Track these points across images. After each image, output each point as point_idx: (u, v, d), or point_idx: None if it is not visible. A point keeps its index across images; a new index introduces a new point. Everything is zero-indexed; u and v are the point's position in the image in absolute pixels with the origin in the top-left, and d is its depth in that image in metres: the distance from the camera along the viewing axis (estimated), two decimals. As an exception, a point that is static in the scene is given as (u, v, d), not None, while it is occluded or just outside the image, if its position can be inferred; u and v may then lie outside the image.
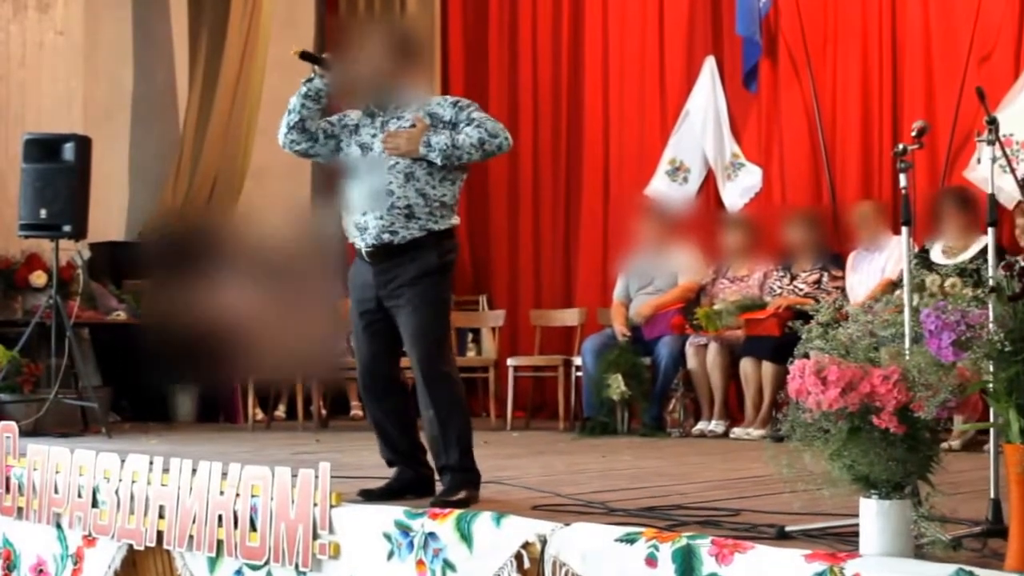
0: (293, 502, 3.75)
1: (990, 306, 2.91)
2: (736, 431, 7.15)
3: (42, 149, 7.58)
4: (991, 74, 7.09)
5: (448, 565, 3.46)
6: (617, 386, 7.33)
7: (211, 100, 9.30)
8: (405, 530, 3.58)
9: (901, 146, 3.52)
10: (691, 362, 7.44)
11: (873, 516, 2.92)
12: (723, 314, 7.25)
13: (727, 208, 8.27)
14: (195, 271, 8.23)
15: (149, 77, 9.53)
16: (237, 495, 3.91)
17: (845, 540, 3.12)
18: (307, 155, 4.36)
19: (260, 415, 8.19)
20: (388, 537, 3.61)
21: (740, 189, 8.28)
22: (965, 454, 5.46)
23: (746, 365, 7.16)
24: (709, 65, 8.47)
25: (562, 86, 9.33)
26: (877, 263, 7.00)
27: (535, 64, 9.48)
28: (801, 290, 7.28)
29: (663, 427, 7.40)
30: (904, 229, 3.53)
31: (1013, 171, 5.91)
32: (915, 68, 7.57)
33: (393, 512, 3.65)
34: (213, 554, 3.97)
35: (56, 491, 4.50)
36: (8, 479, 4.72)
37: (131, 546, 4.24)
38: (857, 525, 2.98)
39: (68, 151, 7.57)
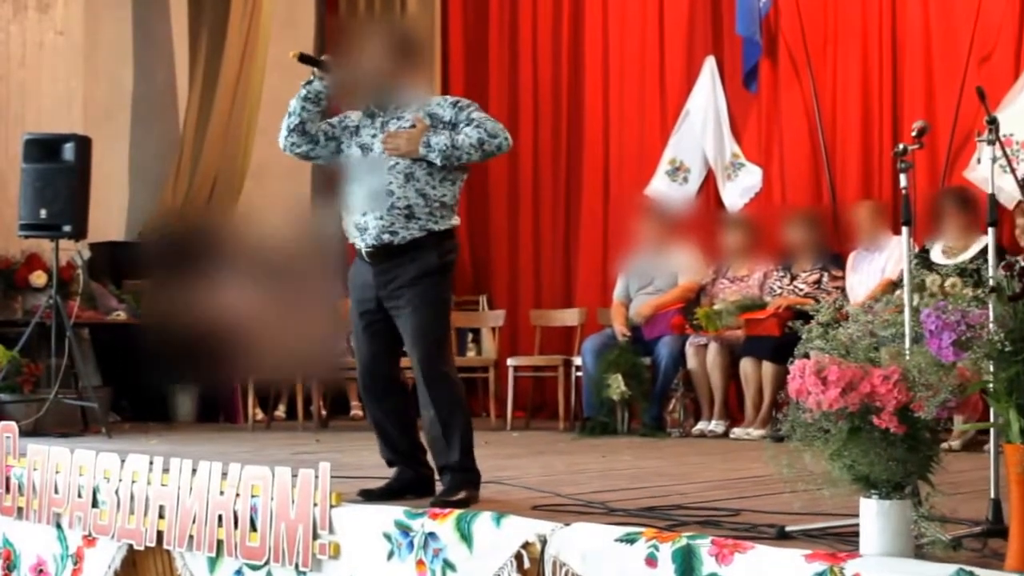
0: (293, 502, 3.75)
1: (990, 306, 2.91)
2: (736, 431, 7.15)
3: (42, 149, 7.58)
4: (991, 74, 7.09)
5: (448, 565, 3.46)
6: (617, 386, 7.32)
7: (211, 100, 9.29)
8: (405, 530, 3.57)
9: (901, 146, 3.52)
10: (691, 362, 7.43)
11: (873, 516, 2.92)
12: (723, 314, 7.25)
13: (727, 208, 8.27)
14: (195, 271, 8.23)
15: (149, 77, 9.52)
16: (237, 495, 3.91)
17: (845, 540, 3.12)
18: (308, 157, 4.36)
19: (260, 415, 8.18)
20: (388, 537, 3.61)
21: (740, 189, 8.28)
22: (965, 454, 5.46)
23: (746, 365, 7.16)
24: (709, 65, 8.46)
25: (562, 86, 9.33)
26: (877, 263, 6.99)
27: (535, 64, 9.48)
28: (801, 290, 7.28)
29: (663, 427, 7.40)
30: (904, 229, 3.53)
31: (1013, 171, 5.91)
32: (915, 68, 7.57)
33: (393, 512, 3.65)
34: (213, 554, 3.97)
35: (56, 491, 4.50)
36: (8, 479, 4.72)
37: (131, 546, 4.24)
38: (857, 525, 2.98)
39: (68, 151, 7.57)
